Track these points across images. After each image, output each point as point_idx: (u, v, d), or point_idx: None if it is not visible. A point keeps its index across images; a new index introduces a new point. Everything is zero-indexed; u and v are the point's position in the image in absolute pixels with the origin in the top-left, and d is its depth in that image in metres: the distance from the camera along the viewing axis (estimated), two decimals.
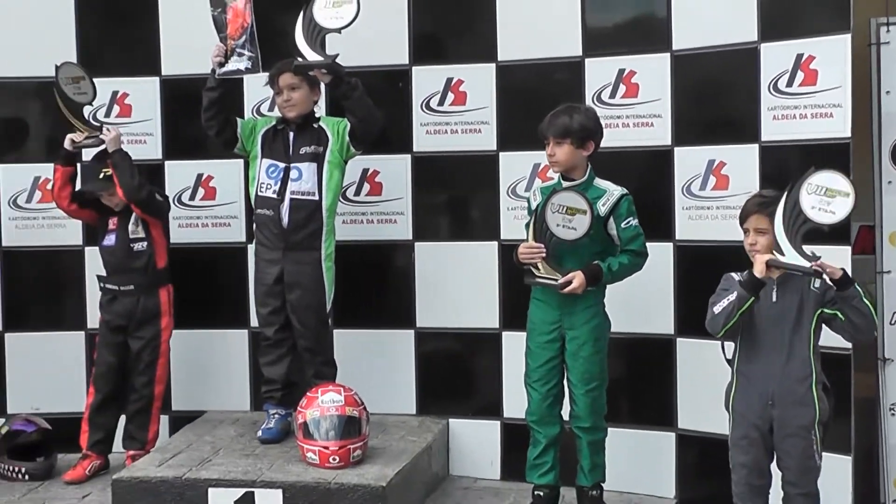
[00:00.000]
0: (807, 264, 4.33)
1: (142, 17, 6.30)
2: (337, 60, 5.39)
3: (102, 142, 5.83)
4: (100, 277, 6.01)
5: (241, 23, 5.56)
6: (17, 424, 6.12)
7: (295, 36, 5.39)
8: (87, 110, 5.91)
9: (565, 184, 5.09)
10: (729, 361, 4.70)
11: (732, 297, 4.55)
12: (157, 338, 5.97)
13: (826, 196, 4.36)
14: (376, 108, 5.60)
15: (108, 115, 6.30)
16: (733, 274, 4.71)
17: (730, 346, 4.72)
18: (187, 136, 6.30)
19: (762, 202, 4.60)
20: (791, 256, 4.36)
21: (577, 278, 4.95)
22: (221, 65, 5.59)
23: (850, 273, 4.46)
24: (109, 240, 5.95)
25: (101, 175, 5.82)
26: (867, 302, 4.44)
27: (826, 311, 4.53)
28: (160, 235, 5.96)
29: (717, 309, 4.61)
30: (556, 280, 4.99)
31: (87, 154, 6.04)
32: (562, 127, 5.04)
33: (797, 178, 4.48)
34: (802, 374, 4.52)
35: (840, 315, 4.47)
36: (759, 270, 4.46)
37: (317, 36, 5.35)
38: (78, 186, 5.93)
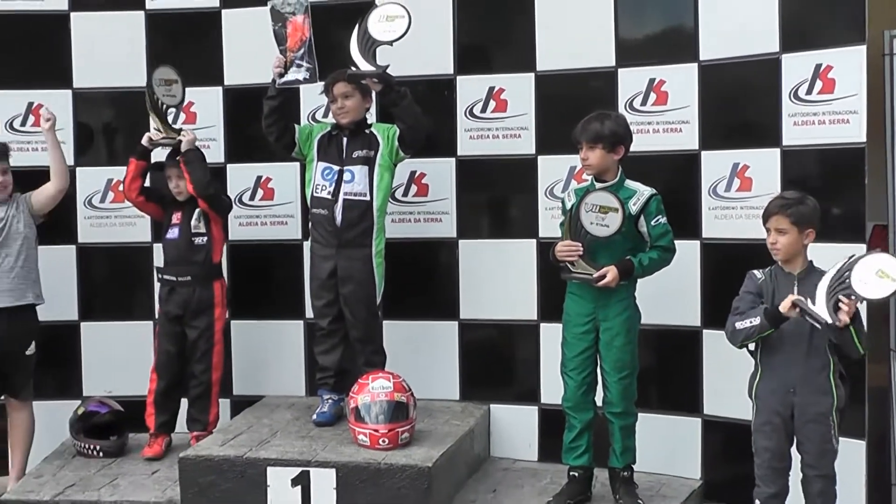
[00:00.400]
0: (826, 319, 4.37)
1: (207, 31, 6.37)
2: (387, 70, 5.44)
3: (179, 143, 5.92)
4: (158, 269, 6.08)
5: (299, 36, 5.59)
6: (92, 406, 6.18)
7: (350, 47, 5.44)
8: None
9: (598, 185, 5.15)
10: (752, 353, 4.75)
11: (756, 321, 4.60)
12: (212, 327, 6.02)
13: (877, 276, 4.36)
14: (424, 115, 5.64)
15: (175, 121, 6.28)
16: (756, 271, 4.78)
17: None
18: (247, 140, 6.34)
19: (783, 204, 4.65)
20: (819, 308, 4.39)
21: (611, 273, 4.99)
22: (281, 75, 5.63)
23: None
24: (173, 233, 6.02)
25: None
26: (858, 345, 4.49)
27: None
28: (219, 231, 6.04)
29: (738, 325, 4.67)
30: (591, 275, 5.04)
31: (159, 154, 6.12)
32: (594, 132, 5.08)
33: (869, 251, 4.61)
34: (821, 364, 4.59)
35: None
36: (785, 307, 4.51)
37: (370, 47, 5.39)
38: (147, 182, 6.05)
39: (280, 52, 5.65)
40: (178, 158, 5.91)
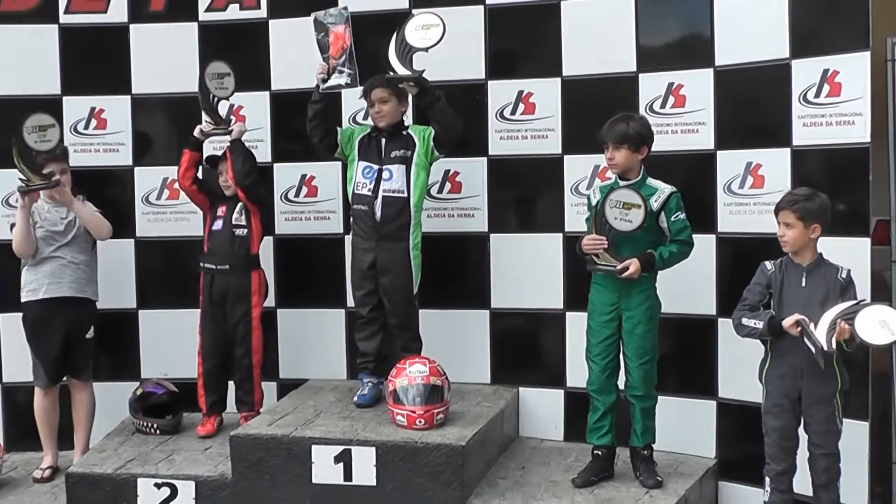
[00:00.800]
0: (823, 346, 4.49)
1: (255, 40, 6.43)
2: (423, 75, 5.51)
3: (229, 133, 5.99)
4: (200, 258, 6.14)
5: (341, 44, 5.67)
6: (149, 387, 6.30)
7: (388, 53, 5.50)
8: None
9: (622, 183, 5.17)
10: (763, 340, 4.83)
11: (759, 325, 4.72)
12: (249, 314, 6.05)
13: (879, 324, 4.46)
14: (458, 117, 5.69)
15: (227, 116, 6.28)
16: (767, 263, 4.85)
17: None
18: (292, 141, 6.40)
19: (792, 200, 4.74)
20: (819, 334, 4.51)
21: (634, 265, 5.04)
22: (325, 81, 5.69)
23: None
24: (217, 225, 6.08)
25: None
26: (838, 375, 4.68)
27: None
28: (258, 225, 6.07)
29: (744, 321, 4.79)
30: (615, 266, 5.09)
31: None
32: (620, 133, 5.12)
33: (877, 299, 4.84)
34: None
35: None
36: (787, 324, 4.62)
37: (407, 54, 5.45)
38: (199, 173, 6.11)
39: (323, 59, 5.70)
40: (226, 149, 6.04)
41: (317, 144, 5.91)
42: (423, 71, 5.52)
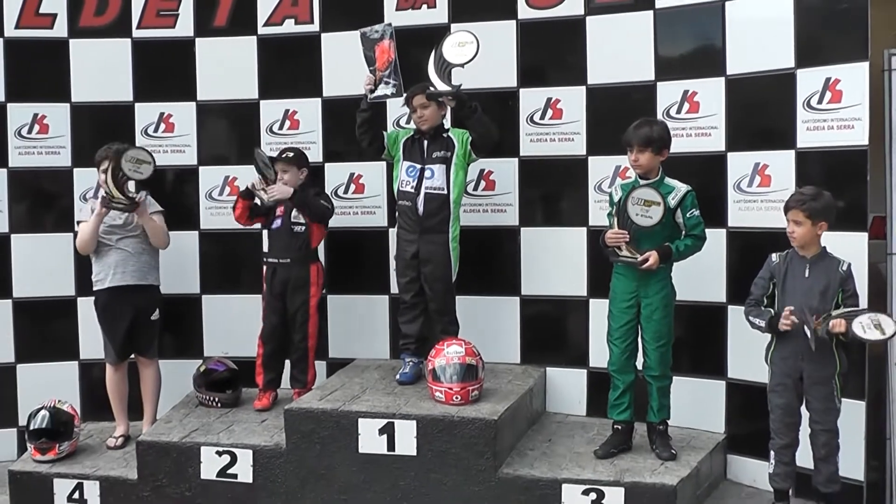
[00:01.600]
0: (810, 323, 4.66)
1: (308, 51, 6.49)
2: (461, 89, 5.55)
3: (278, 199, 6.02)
4: (264, 254, 6.22)
5: (386, 58, 5.70)
6: (211, 365, 6.41)
7: (428, 68, 5.55)
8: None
9: (642, 182, 5.22)
10: None
11: (762, 324, 4.85)
12: (307, 303, 6.10)
13: (873, 324, 4.62)
14: (493, 125, 5.73)
15: (281, 128, 6.52)
16: (773, 255, 4.95)
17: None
18: (341, 143, 6.46)
19: (800, 199, 4.81)
20: (809, 327, 4.69)
21: (653, 257, 5.10)
22: (372, 91, 5.74)
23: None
24: (277, 223, 6.13)
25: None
26: (834, 352, 4.79)
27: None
28: (316, 227, 6.13)
29: (751, 319, 4.94)
30: (636, 258, 5.15)
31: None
32: (645, 137, 5.16)
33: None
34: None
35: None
36: (783, 327, 4.74)
37: (445, 68, 5.50)
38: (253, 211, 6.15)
39: (370, 71, 5.75)
40: (292, 200, 6.04)
41: (365, 148, 5.97)
42: (461, 85, 5.55)
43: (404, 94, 5.79)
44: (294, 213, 6.11)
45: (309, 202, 6.05)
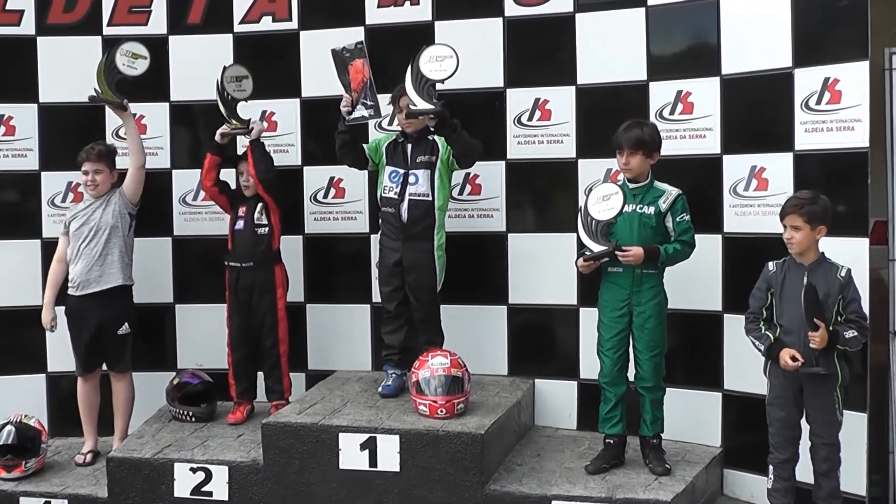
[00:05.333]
0: (817, 370, 4.65)
1: (286, 51, 6.46)
2: (443, 104, 5.44)
3: (249, 132, 6.02)
4: (226, 256, 6.16)
5: (360, 78, 5.64)
6: (185, 377, 6.35)
7: (406, 85, 5.46)
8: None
9: (631, 186, 5.22)
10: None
11: (761, 347, 4.83)
12: (275, 306, 6.10)
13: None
14: (475, 143, 5.68)
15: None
16: (770, 263, 4.89)
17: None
18: (321, 145, 6.38)
19: (797, 203, 4.76)
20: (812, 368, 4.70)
21: (635, 250, 5.07)
22: (349, 113, 5.70)
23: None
24: (240, 224, 6.12)
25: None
26: (835, 364, 4.74)
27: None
28: (277, 222, 6.11)
29: (750, 337, 4.91)
30: (608, 248, 5.06)
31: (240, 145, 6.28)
32: (635, 139, 5.15)
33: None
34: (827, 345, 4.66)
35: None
36: (783, 362, 4.72)
37: (424, 85, 5.39)
38: (222, 175, 6.14)
39: (346, 92, 5.70)
40: (246, 148, 6.06)
41: (349, 166, 5.98)
42: (443, 102, 5.47)
43: (381, 116, 5.80)
44: (258, 213, 6.12)
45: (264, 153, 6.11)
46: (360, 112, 5.70)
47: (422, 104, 5.43)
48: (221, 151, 6.14)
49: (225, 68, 6.03)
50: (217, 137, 6.08)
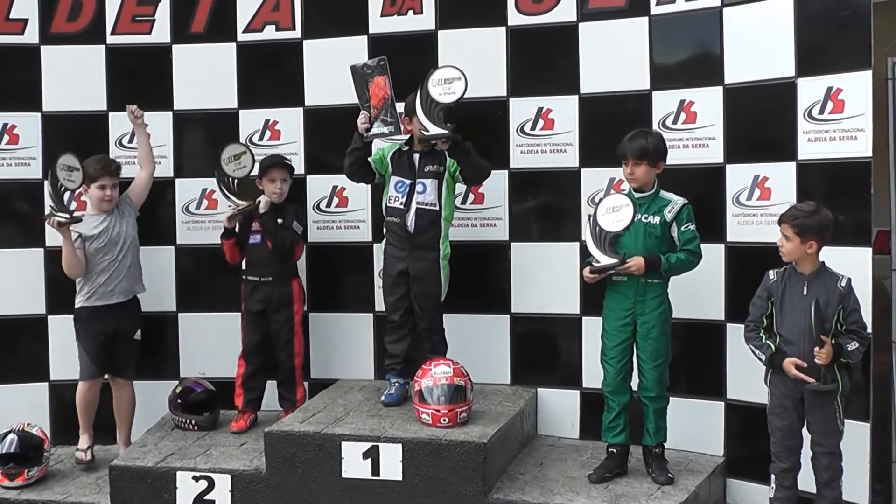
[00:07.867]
0: (827, 387, 4.68)
1: (289, 60, 6.46)
2: (454, 129, 5.43)
3: (256, 206, 6.02)
4: (242, 271, 6.21)
5: (381, 95, 5.56)
6: (188, 385, 6.38)
7: (416, 110, 5.45)
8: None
9: (636, 195, 5.22)
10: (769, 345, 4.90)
11: (762, 357, 4.86)
12: (291, 320, 6.16)
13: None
14: (486, 165, 5.69)
15: (261, 138, 6.48)
16: (771, 272, 4.92)
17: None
18: (324, 154, 6.44)
19: (793, 214, 4.80)
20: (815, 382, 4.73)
21: (636, 260, 5.09)
22: (368, 130, 5.61)
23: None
24: (255, 239, 6.14)
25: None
26: (836, 373, 4.78)
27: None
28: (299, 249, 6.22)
29: (750, 346, 4.93)
30: (616, 261, 5.08)
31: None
32: (640, 149, 5.17)
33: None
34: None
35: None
36: (789, 372, 4.75)
37: (434, 109, 5.38)
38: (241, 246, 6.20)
39: (364, 108, 5.62)
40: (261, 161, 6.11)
41: (357, 183, 5.99)
42: (454, 126, 5.46)
43: (401, 133, 5.71)
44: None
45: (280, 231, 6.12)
46: (380, 129, 5.63)
47: (433, 129, 5.42)
48: (233, 233, 6.19)
49: (220, 155, 6.09)
50: (225, 223, 6.13)
